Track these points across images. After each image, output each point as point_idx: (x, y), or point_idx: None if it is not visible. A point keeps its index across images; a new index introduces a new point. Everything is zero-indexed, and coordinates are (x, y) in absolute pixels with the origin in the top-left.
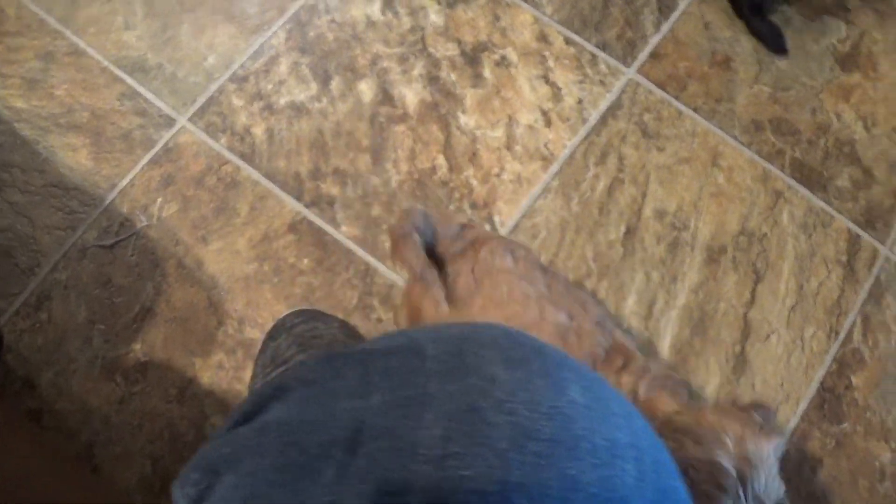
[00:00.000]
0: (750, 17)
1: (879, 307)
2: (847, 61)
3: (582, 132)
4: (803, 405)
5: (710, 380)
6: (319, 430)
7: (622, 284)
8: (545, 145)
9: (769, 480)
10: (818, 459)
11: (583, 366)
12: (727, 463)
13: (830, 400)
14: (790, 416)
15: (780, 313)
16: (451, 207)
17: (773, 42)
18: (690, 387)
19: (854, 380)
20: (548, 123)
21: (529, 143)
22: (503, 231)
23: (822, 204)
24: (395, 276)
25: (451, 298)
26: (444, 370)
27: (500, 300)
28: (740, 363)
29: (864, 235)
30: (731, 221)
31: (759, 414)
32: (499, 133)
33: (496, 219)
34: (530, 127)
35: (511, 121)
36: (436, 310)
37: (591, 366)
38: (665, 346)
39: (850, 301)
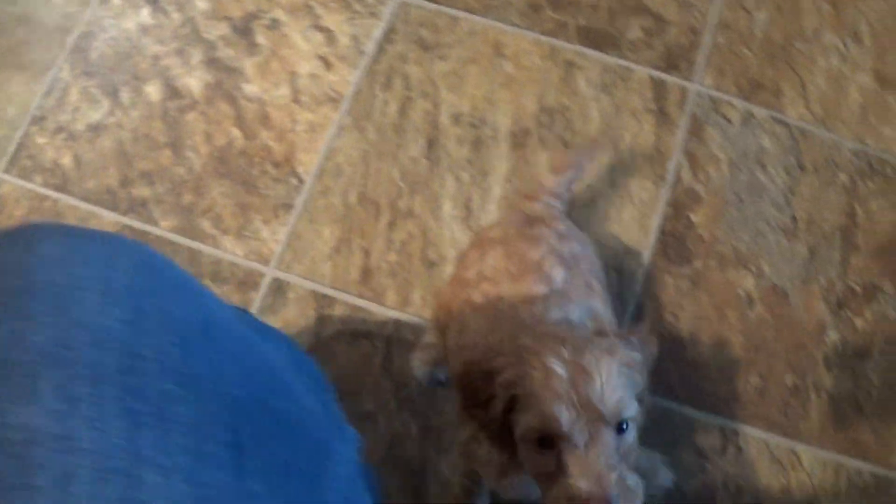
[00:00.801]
0: None
1: (702, 141)
2: None
3: (363, 65)
4: (647, 255)
5: None
6: None
7: (435, 194)
8: (330, 88)
9: (606, 388)
10: (677, 304)
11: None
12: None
13: (673, 244)
14: (637, 270)
15: (599, 175)
16: (255, 172)
17: None
18: None
19: (694, 218)
20: (328, 67)
21: (315, 91)
22: (308, 180)
23: (616, 61)
24: (219, 253)
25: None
26: None
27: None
28: None
29: (669, 78)
30: (528, 104)
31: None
32: (284, 91)
33: (300, 170)
34: (312, 75)
35: (293, 76)
36: None
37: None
38: None
39: (670, 144)
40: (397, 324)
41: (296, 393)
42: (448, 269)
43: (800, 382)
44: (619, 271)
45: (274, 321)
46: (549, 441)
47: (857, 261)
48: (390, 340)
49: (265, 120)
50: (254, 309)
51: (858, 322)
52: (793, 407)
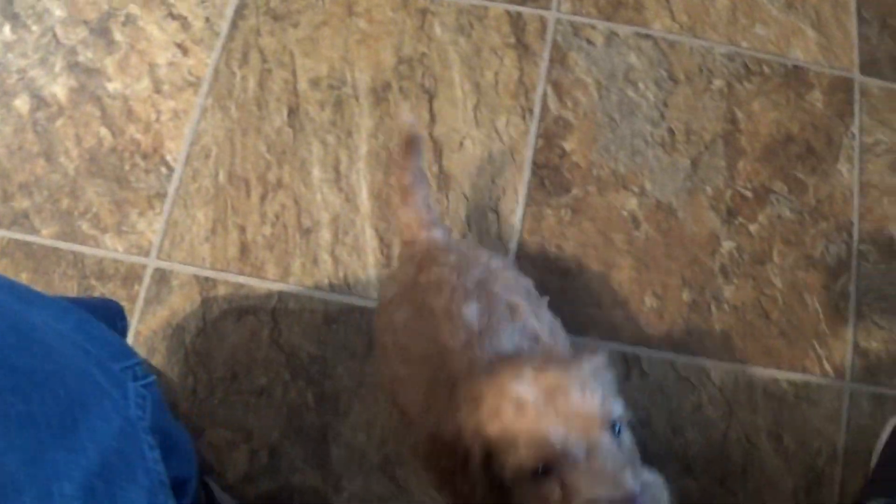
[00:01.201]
0: None
1: (566, 68)
2: None
3: (218, 45)
4: (523, 191)
5: None
6: None
7: (302, 161)
8: (189, 73)
9: (585, 393)
10: (560, 235)
11: None
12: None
13: (549, 175)
14: (514, 208)
15: (465, 118)
16: (126, 167)
17: None
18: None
19: (567, 146)
20: (185, 53)
21: (175, 78)
22: (177, 167)
23: (470, 1)
24: (101, 252)
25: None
26: None
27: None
28: (443, 180)
29: (526, 10)
30: (385, 58)
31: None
32: (145, 83)
33: (168, 158)
34: (171, 63)
35: (152, 67)
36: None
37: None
38: (365, 199)
39: (533, 76)
40: (281, 295)
41: (55, 353)
42: (324, 234)
43: (698, 297)
44: (496, 212)
45: (161, 310)
46: (546, 469)
47: (744, 165)
48: (276, 312)
49: (130, 114)
50: (140, 301)
51: (753, 227)
52: (694, 323)
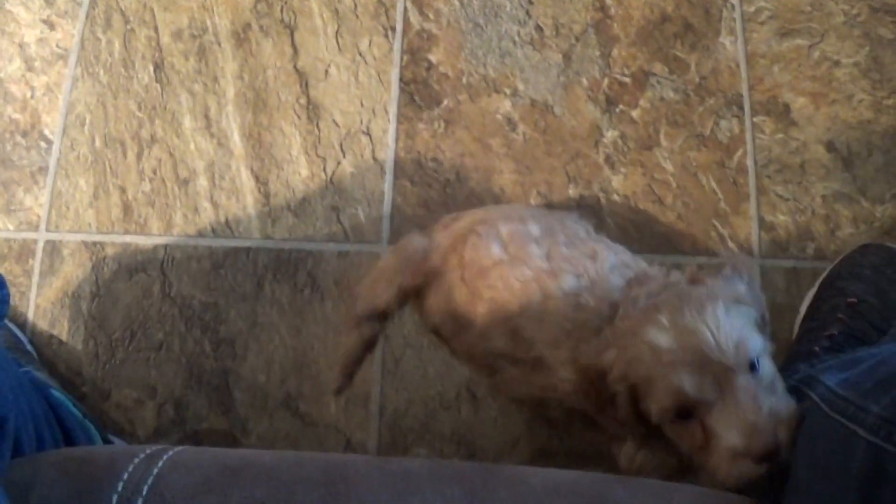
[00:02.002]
0: None
1: None
2: None
3: (82, 15)
4: (393, 109)
5: (292, 142)
6: None
7: (173, 114)
8: (57, 46)
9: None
10: (436, 148)
11: None
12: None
13: (417, 89)
14: (387, 127)
15: (328, 45)
16: (7, 147)
17: None
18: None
19: (433, 58)
20: (52, 27)
21: (45, 54)
22: (55, 139)
23: None
24: None
25: (454, 317)
26: None
27: (500, 299)
28: (313, 111)
29: None
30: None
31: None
32: (17, 63)
33: (46, 132)
34: (39, 40)
35: (22, 47)
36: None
37: (609, 314)
38: (237, 141)
39: None
40: (167, 248)
41: None
42: (202, 182)
43: (585, 192)
44: (368, 134)
45: (56, 281)
46: (687, 412)
47: (619, 52)
48: (164, 266)
49: (6, 96)
50: (35, 275)
51: (635, 113)
52: (586, 218)
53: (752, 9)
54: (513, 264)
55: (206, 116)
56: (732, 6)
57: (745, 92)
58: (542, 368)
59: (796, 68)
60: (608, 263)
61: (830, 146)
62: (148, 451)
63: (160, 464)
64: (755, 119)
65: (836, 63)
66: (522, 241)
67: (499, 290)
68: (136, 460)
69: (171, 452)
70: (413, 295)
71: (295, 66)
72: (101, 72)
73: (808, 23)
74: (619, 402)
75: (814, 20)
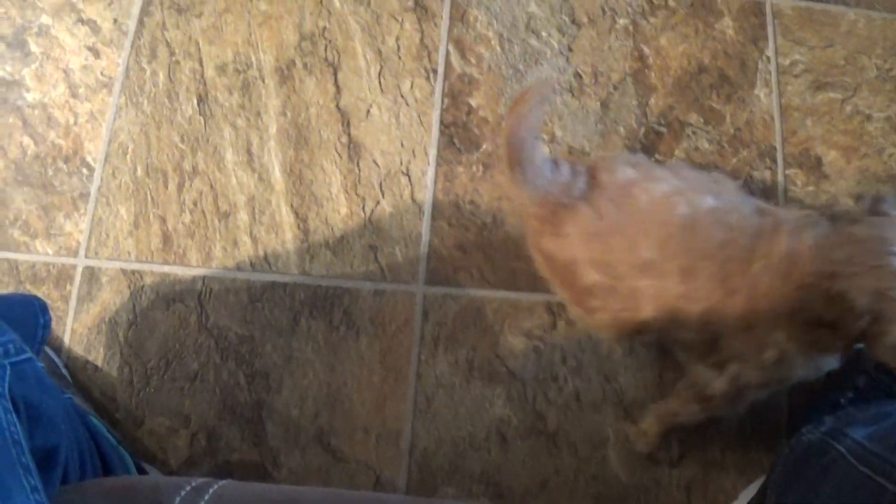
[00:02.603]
0: None
1: (467, 24)
2: None
3: (127, 44)
4: (433, 152)
5: (332, 180)
6: None
7: (215, 147)
8: (102, 74)
9: None
10: (474, 191)
11: None
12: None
13: (457, 132)
14: (426, 169)
15: (370, 85)
16: (49, 172)
17: None
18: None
19: (473, 102)
20: (97, 55)
21: (89, 81)
22: (97, 166)
23: None
24: (34, 257)
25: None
26: None
27: (648, 213)
28: (353, 150)
29: None
30: (288, 36)
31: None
32: (62, 89)
33: (88, 159)
34: (84, 67)
35: (67, 73)
36: (587, 235)
37: (755, 237)
38: (278, 176)
39: (434, 36)
40: (205, 279)
41: None
42: (242, 216)
43: None
44: (407, 175)
45: (93, 307)
46: None
47: (656, 101)
48: (201, 297)
49: (50, 121)
50: (73, 300)
51: (671, 163)
52: None
53: (788, 62)
54: (651, 181)
55: (249, 151)
56: (768, 59)
57: (778, 144)
58: (692, 278)
59: (829, 121)
60: (733, 187)
61: (860, 199)
62: (193, 484)
63: (206, 497)
64: (788, 171)
65: (868, 117)
66: (650, 167)
67: (642, 204)
68: (183, 493)
69: (215, 486)
70: None
71: (337, 105)
72: (145, 102)
73: (842, 76)
74: (846, 325)
75: (847, 74)
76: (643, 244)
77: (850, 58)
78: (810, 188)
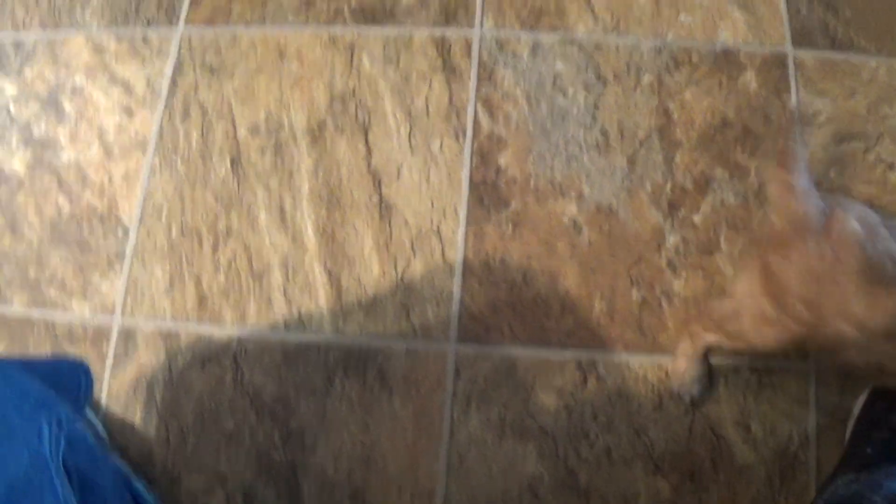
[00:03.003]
0: None
1: (495, 83)
2: None
3: (160, 105)
4: (463, 211)
5: (365, 240)
6: None
7: (249, 207)
8: (136, 134)
9: None
10: (504, 249)
11: None
12: None
13: (486, 191)
14: (456, 228)
15: (400, 146)
16: (85, 232)
17: None
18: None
19: (502, 161)
20: (131, 115)
21: (123, 141)
22: (132, 226)
23: (395, 31)
24: (70, 316)
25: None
26: None
27: (861, 272)
28: (385, 210)
29: (450, 31)
30: (319, 97)
31: None
32: (96, 149)
33: (123, 218)
34: (119, 127)
35: (101, 132)
36: (805, 271)
37: None
38: (311, 236)
39: (463, 96)
40: (240, 339)
41: None
42: (276, 276)
43: (648, 295)
44: (438, 234)
45: (130, 366)
46: None
47: (681, 157)
48: (237, 357)
49: (85, 181)
50: (109, 359)
51: (697, 218)
52: (647, 321)
53: (810, 112)
54: (872, 240)
55: (281, 211)
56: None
57: None
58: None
59: (851, 172)
60: None
61: None
62: None
63: None
64: None
65: (891, 166)
66: (875, 224)
67: (858, 259)
68: None
69: None
70: None
71: (368, 165)
72: (179, 162)
73: (864, 126)
74: None
75: (869, 123)
76: (853, 298)
77: (872, 107)
78: None
